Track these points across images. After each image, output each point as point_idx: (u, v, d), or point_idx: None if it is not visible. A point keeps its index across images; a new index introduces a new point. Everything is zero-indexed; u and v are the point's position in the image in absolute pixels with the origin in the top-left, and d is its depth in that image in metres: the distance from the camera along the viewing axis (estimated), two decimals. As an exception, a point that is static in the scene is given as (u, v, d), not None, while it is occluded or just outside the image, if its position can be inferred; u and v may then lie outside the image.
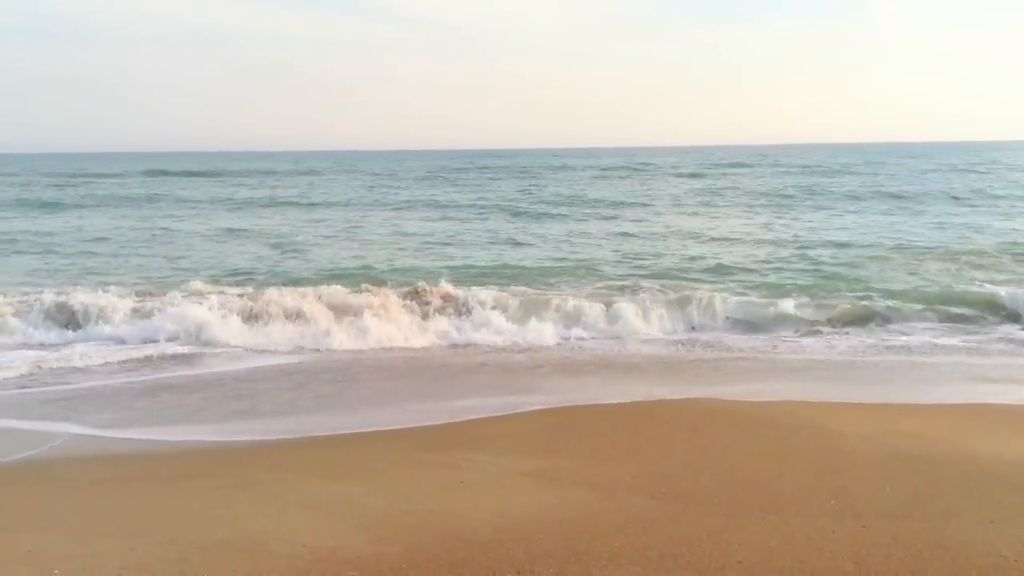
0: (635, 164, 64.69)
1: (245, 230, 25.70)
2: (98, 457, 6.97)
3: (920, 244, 20.38)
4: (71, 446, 7.24)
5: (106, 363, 10.35)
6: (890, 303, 13.13)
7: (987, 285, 14.34)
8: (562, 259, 19.33)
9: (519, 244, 21.99)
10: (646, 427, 7.32)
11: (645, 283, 15.41)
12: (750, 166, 60.16)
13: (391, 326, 11.81)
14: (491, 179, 52.00)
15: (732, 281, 15.87)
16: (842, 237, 21.78)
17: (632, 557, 4.56)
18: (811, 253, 19.19)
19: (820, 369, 10.01)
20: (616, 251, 20.45)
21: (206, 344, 11.28)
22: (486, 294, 13.28)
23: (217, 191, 43.00)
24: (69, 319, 12.48)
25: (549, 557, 4.58)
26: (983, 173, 46.47)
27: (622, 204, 32.87)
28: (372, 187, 46.29)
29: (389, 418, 7.90)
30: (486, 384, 9.38)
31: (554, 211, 30.35)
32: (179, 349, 11.12)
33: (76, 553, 4.70)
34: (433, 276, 14.90)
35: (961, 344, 11.06)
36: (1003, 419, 7.56)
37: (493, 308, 12.62)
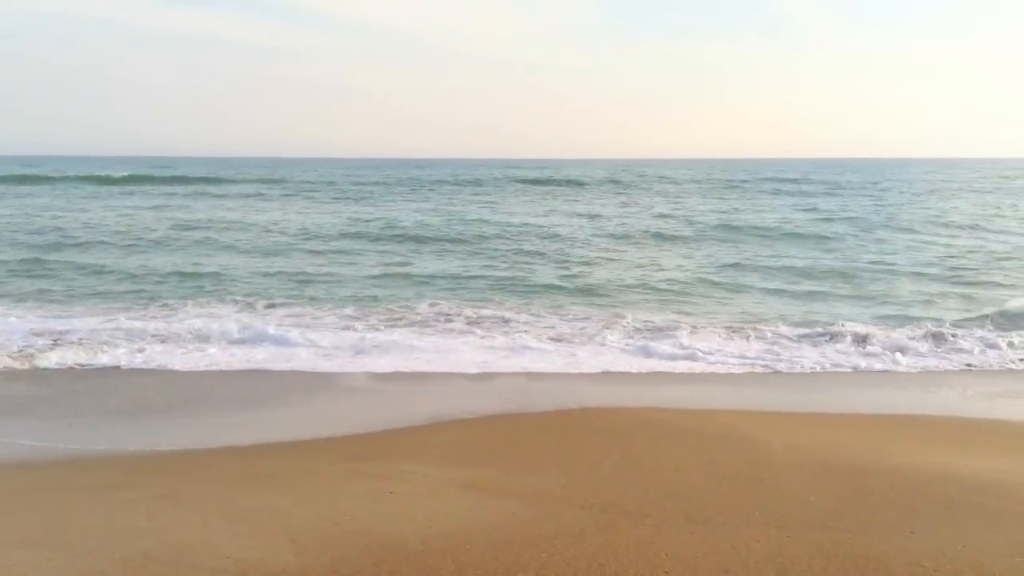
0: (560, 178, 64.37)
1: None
2: (15, 466, 6.76)
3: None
4: (-13, 455, 7.03)
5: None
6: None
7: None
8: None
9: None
10: (577, 437, 7.32)
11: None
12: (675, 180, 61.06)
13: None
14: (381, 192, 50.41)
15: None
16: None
17: (560, 568, 4.56)
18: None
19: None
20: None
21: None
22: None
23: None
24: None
25: (477, 568, 4.56)
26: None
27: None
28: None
29: (320, 426, 7.82)
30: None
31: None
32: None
33: (-10, 566, 4.58)
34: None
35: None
36: (925, 430, 7.72)
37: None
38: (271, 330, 12.21)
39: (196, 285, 16.86)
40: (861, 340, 11.55)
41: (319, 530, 5.11)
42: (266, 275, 18.18)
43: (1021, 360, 10.85)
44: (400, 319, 13.36)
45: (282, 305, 14.64)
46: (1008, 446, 7.22)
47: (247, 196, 45.09)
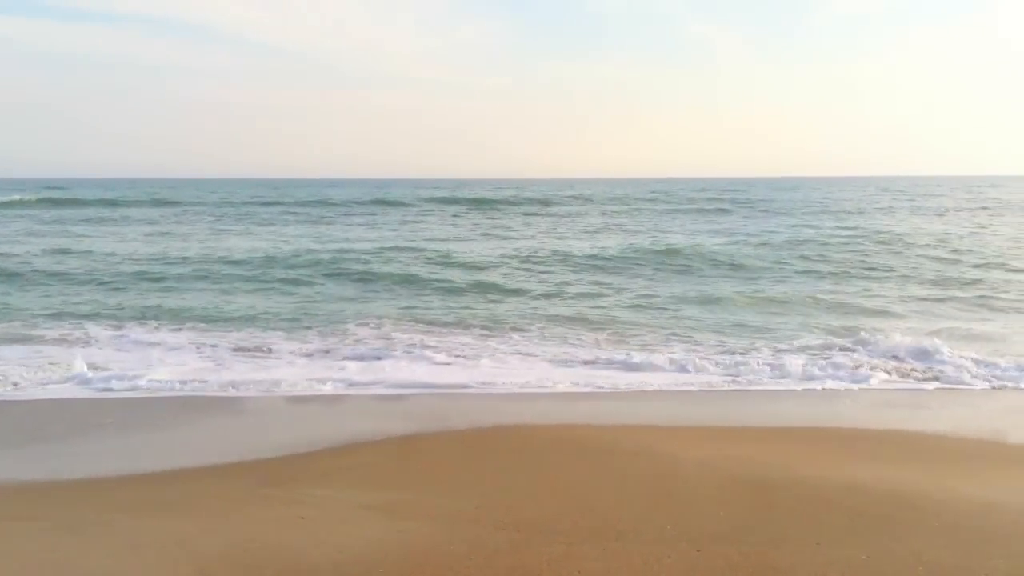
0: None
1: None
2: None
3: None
4: None
5: None
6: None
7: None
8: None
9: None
10: (492, 456, 7.32)
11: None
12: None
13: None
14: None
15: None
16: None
17: (473, 589, 4.55)
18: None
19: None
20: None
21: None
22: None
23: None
24: None
25: (390, 592, 4.53)
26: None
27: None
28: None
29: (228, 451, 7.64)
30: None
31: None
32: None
33: None
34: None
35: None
36: (830, 443, 7.89)
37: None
38: (174, 353, 11.98)
39: (87, 312, 16.32)
40: (766, 358, 11.76)
41: (228, 558, 5.00)
42: (170, 304, 17.57)
43: (919, 378, 11.13)
44: (306, 342, 13.15)
45: (188, 329, 14.29)
46: (909, 457, 7.42)
47: (140, 221, 43.17)
